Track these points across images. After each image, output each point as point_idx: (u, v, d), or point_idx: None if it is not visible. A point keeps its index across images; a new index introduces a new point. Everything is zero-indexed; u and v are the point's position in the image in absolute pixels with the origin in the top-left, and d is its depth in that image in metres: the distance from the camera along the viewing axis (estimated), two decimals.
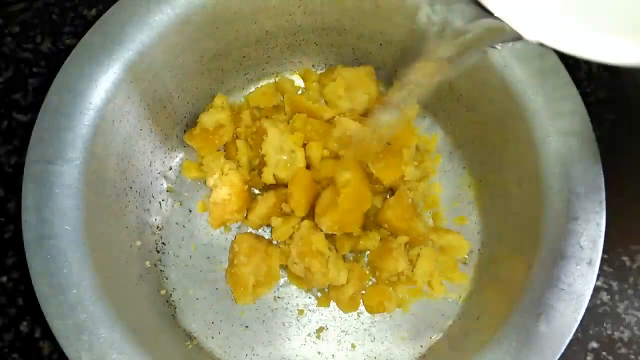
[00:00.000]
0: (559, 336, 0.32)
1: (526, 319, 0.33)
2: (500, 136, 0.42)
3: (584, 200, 0.34)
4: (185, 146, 0.49)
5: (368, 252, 0.46)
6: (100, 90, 0.38)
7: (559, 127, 0.37)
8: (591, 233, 0.34)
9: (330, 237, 0.44)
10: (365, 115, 0.49)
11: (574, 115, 0.37)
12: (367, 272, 0.46)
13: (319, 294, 0.46)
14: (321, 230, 0.43)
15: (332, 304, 0.45)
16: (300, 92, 0.51)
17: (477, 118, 0.44)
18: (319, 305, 0.45)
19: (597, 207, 0.35)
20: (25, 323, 0.44)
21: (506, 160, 0.42)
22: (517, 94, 0.38)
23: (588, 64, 0.51)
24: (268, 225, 0.47)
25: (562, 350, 0.31)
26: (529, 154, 0.38)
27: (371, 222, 0.46)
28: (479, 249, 0.46)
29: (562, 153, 0.36)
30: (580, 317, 0.32)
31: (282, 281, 0.46)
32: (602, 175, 0.36)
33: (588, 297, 0.32)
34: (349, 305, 0.44)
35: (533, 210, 0.37)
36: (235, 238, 0.45)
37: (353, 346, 0.44)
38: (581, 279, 0.33)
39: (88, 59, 0.38)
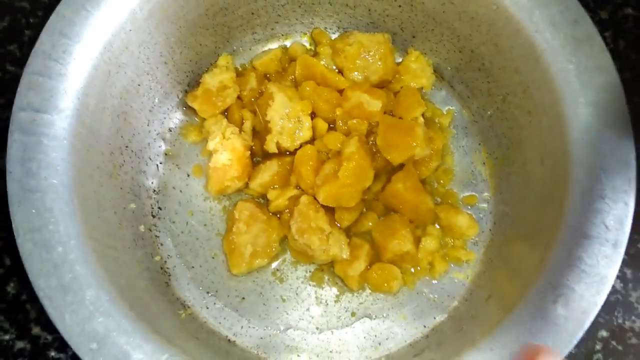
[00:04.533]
0: (578, 320, 0.30)
1: (543, 300, 0.31)
2: (523, 109, 0.39)
3: (613, 177, 0.32)
4: (185, 107, 0.46)
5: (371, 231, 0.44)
6: (96, 37, 0.35)
7: (590, 98, 0.34)
8: (618, 213, 0.31)
9: (330, 211, 0.42)
10: (378, 85, 0.46)
11: (606, 86, 0.34)
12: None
13: (320, 270, 0.43)
14: (319, 203, 0.41)
15: (332, 279, 0.43)
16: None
17: (498, 89, 0.41)
18: (314, 280, 0.43)
19: (626, 185, 0.32)
20: (12, 284, 0.42)
21: (528, 135, 0.39)
22: (547, 62, 0.35)
23: (613, 43, 0.48)
24: (264, 197, 0.44)
25: (580, 335, 0.29)
26: (555, 127, 0.35)
27: (373, 202, 0.44)
28: (490, 229, 0.43)
29: (592, 127, 0.33)
30: (602, 301, 0.30)
31: (281, 254, 0.44)
32: (634, 151, 0.33)
33: (611, 281, 0.30)
34: (358, 283, 0.42)
35: (555, 187, 0.35)
36: (236, 205, 0.43)
37: (352, 323, 0.42)
38: (605, 261, 0.30)
39: (84, 2, 0.35)
